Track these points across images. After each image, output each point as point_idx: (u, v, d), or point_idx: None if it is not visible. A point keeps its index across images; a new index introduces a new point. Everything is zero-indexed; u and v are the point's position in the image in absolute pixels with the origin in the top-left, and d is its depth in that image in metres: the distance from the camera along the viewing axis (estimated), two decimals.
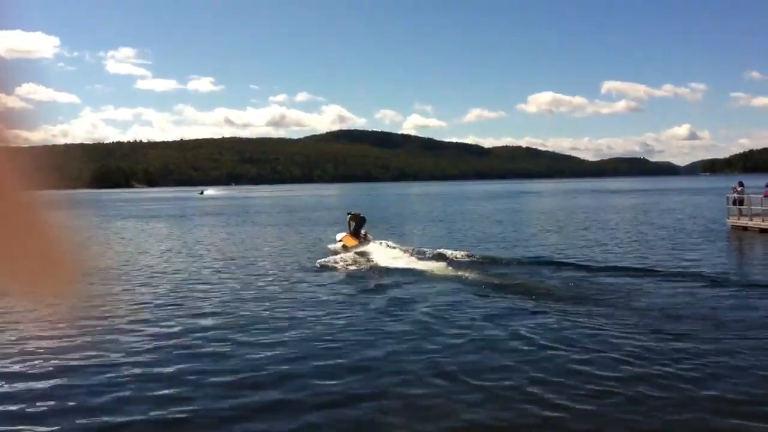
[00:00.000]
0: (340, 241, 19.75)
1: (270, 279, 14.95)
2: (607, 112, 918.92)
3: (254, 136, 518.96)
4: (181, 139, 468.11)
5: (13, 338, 9.35)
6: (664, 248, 19.81)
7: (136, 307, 11.84)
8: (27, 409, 6.41)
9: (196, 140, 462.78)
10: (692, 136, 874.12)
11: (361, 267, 16.26)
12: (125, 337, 9.36)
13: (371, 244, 19.09)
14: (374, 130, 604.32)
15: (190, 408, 6.37)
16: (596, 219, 34.93)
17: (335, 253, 18.49)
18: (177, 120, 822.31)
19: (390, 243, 19.82)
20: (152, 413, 6.24)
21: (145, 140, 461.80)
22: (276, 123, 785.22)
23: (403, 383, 7.01)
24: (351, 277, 14.91)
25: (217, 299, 12.48)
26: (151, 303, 12.17)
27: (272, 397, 6.69)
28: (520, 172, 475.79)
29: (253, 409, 6.32)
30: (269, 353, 8.36)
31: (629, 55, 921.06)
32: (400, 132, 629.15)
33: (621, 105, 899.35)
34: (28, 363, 8.02)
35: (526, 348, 8.33)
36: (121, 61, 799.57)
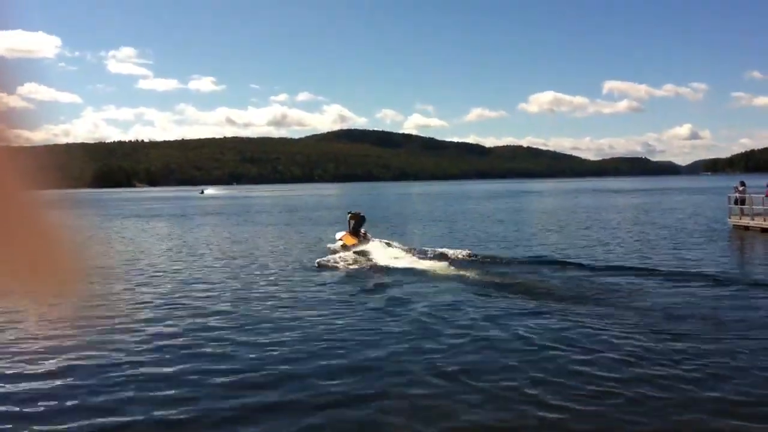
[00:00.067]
0: (340, 240, 19.78)
1: (271, 278, 14.95)
2: (608, 111, 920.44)
3: (255, 136, 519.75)
4: (183, 139, 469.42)
5: (14, 338, 9.36)
6: (666, 248, 19.79)
7: (136, 306, 11.85)
8: (27, 410, 6.41)
9: (198, 140, 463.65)
10: (693, 135, 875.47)
11: (362, 266, 16.25)
12: (126, 337, 9.36)
13: (371, 243, 19.08)
14: (375, 129, 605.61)
15: (191, 408, 6.37)
16: (597, 218, 34.90)
17: (335, 252, 18.51)
18: (178, 120, 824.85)
19: (390, 242, 19.81)
20: (153, 413, 6.24)
21: (146, 140, 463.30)
22: (277, 123, 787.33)
23: (404, 383, 7.01)
24: (352, 277, 14.91)
25: (218, 299, 12.49)
26: (152, 302, 12.18)
27: (273, 397, 6.68)
28: (522, 172, 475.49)
29: (253, 410, 6.32)
30: (270, 353, 8.36)
31: (630, 54, 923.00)
32: (401, 131, 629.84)
33: (622, 105, 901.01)
34: (29, 363, 8.02)
35: (527, 348, 8.32)
36: (122, 60, 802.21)
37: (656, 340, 8.48)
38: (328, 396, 6.63)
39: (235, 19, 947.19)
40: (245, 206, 64.79)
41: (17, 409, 6.44)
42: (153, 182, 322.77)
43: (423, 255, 17.55)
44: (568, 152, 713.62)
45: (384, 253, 17.66)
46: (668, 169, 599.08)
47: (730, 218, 26.00)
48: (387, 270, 15.50)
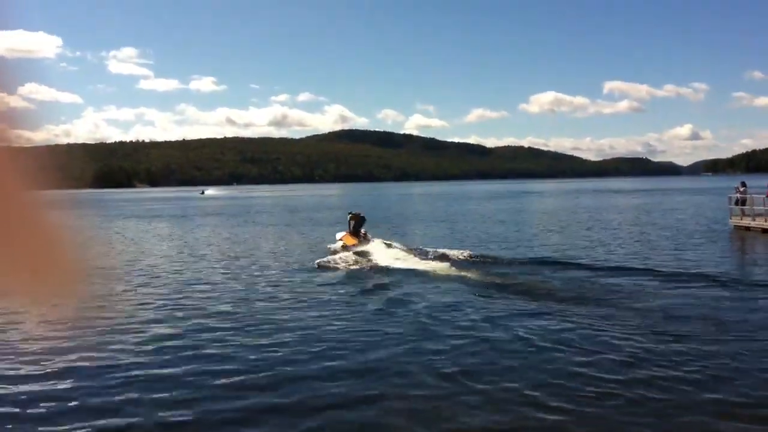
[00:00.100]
0: (340, 240, 19.81)
1: (271, 279, 14.95)
2: (609, 112, 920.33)
3: (256, 136, 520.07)
4: (183, 139, 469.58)
5: (14, 338, 9.37)
6: (667, 248, 19.77)
7: (137, 307, 11.85)
8: (28, 410, 6.41)
9: (199, 140, 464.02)
10: (694, 136, 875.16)
11: (363, 267, 16.24)
12: (126, 338, 9.36)
13: (371, 243, 19.09)
14: (376, 130, 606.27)
15: (192, 409, 6.36)
16: (598, 219, 34.88)
17: (335, 252, 18.51)
18: (179, 120, 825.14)
19: (391, 242, 19.80)
20: (153, 414, 6.24)
21: (147, 140, 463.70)
22: (278, 123, 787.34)
23: (405, 385, 7.00)
24: (352, 278, 14.90)
25: (219, 300, 12.49)
26: (153, 303, 12.17)
27: (273, 398, 6.68)
28: (522, 172, 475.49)
29: (254, 411, 6.32)
30: (271, 354, 8.36)
31: (631, 55, 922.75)
32: (402, 132, 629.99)
33: (623, 105, 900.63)
34: (30, 364, 8.02)
35: (527, 349, 8.32)
36: (123, 61, 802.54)
37: (657, 342, 8.47)
38: (328, 397, 6.62)
39: (235, 19, 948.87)
40: (246, 207, 64.81)
41: (18, 410, 6.43)
42: (153, 182, 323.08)
43: (424, 256, 17.55)
44: (569, 152, 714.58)
45: (384, 254, 17.65)
46: (669, 169, 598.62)
47: (730, 219, 25.99)
48: (387, 271, 15.49)
